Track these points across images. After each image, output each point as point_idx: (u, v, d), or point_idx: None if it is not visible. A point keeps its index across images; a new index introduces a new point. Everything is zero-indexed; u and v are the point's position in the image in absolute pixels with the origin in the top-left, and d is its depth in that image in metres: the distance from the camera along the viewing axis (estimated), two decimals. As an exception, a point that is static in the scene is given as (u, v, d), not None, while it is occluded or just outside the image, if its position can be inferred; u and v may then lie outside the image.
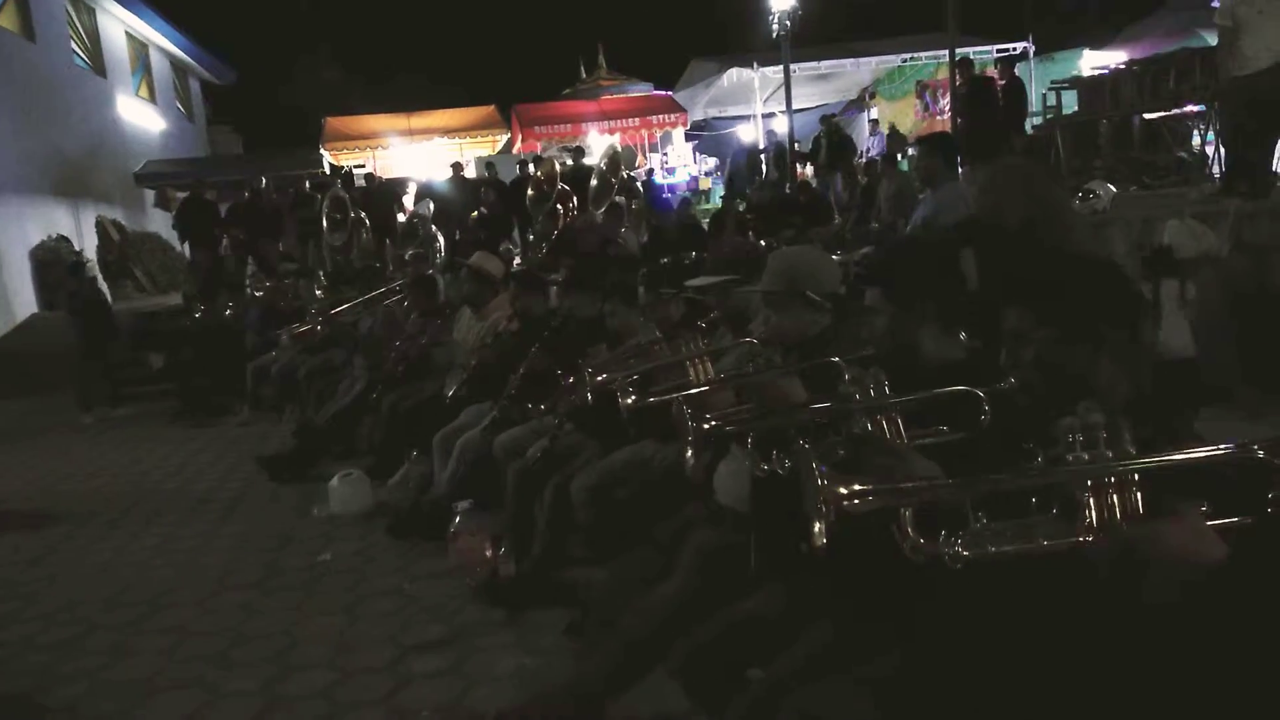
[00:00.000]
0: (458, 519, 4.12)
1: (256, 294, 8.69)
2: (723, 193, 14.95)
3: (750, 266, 3.22)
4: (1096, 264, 1.75)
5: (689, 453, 1.93)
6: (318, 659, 3.48)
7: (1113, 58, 13.96)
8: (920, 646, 1.66)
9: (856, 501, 1.29)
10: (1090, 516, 1.30)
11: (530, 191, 10.34)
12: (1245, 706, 1.12)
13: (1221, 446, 1.34)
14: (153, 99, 20.80)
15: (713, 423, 1.93)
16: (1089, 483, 1.30)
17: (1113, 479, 1.30)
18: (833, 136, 13.32)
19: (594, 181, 9.67)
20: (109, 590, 4.34)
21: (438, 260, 8.61)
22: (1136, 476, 1.30)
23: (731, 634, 2.10)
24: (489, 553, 3.87)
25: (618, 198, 9.66)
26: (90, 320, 9.26)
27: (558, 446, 3.86)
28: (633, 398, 2.32)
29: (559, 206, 10.16)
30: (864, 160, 15.16)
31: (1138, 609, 1.24)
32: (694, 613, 2.31)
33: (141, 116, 19.63)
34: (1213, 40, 9.48)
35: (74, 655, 3.67)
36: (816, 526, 1.28)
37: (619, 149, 10.94)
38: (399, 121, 19.36)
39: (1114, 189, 8.25)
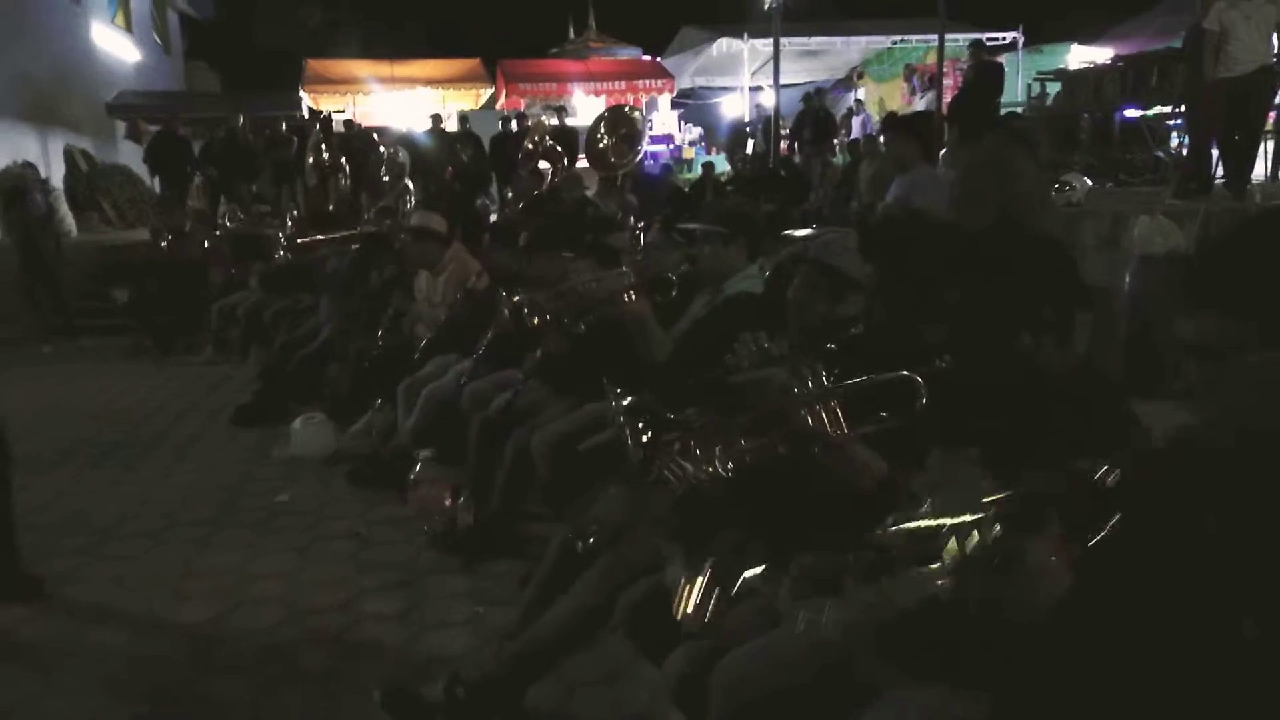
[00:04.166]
0: (418, 467, 4.12)
1: (229, 228, 8.51)
2: (714, 164, 14.57)
3: (740, 224, 3.20)
4: (1046, 243, 1.74)
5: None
6: (269, 595, 3.49)
7: (1101, 54, 14.02)
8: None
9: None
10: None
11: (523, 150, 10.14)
12: None
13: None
14: (129, 28, 20.23)
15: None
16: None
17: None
18: (818, 114, 13.24)
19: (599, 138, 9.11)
20: (55, 521, 4.28)
21: (408, 210, 8.48)
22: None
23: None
24: (448, 502, 3.88)
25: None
26: (31, 245, 9.13)
27: (522, 401, 3.85)
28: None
29: (544, 164, 9.99)
30: (848, 139, 15.15)
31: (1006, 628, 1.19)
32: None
33: (116, 45, 19.09)
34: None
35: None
36: None
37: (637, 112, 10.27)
38: (382, 68, 19.01)
39: (1089, 182, 8.34)
